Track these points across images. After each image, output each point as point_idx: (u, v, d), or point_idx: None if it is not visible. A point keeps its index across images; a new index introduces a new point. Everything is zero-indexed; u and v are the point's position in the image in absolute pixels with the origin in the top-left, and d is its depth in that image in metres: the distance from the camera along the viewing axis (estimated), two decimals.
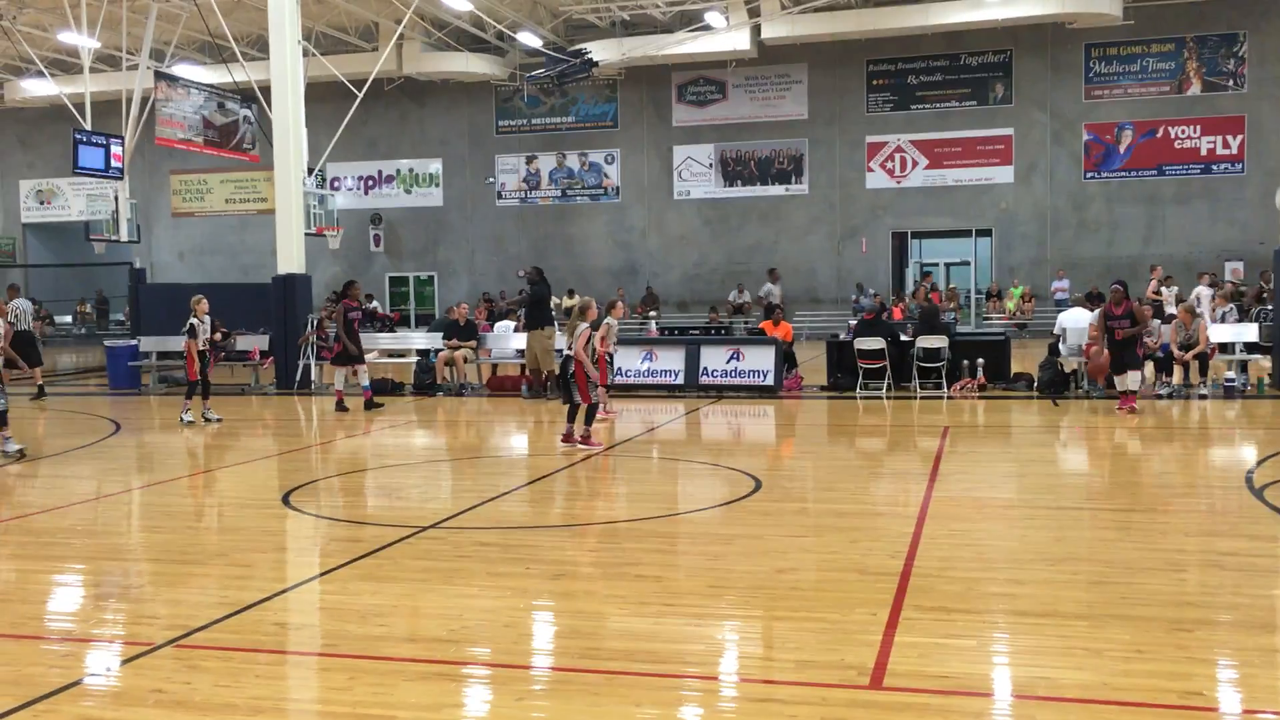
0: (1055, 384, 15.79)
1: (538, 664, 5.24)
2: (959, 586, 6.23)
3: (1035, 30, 29.64)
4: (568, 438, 11.71)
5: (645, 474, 10.87)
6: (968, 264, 32.05)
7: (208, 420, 14.65)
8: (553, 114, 34.14)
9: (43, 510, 9.22)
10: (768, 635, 5.54)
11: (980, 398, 15.82)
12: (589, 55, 26.64)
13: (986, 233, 31.51)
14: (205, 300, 15.00)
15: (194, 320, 14.62)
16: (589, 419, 11.75)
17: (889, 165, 31.75)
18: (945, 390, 16.10)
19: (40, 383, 18.36)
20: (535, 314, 17.17)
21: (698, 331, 20.29)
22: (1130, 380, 13.94)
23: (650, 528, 8.04)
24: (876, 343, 16.46)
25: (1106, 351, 13.89)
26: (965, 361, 16.39)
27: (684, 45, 29.45)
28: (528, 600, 6.25)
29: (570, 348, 11.72)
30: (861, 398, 16.31)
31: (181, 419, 14.56)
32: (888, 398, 16.13)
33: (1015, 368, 17.18)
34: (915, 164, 31.49)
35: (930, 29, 28.85)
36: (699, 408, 15.82)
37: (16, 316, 18.19)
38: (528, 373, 17.36)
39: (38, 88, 32.41)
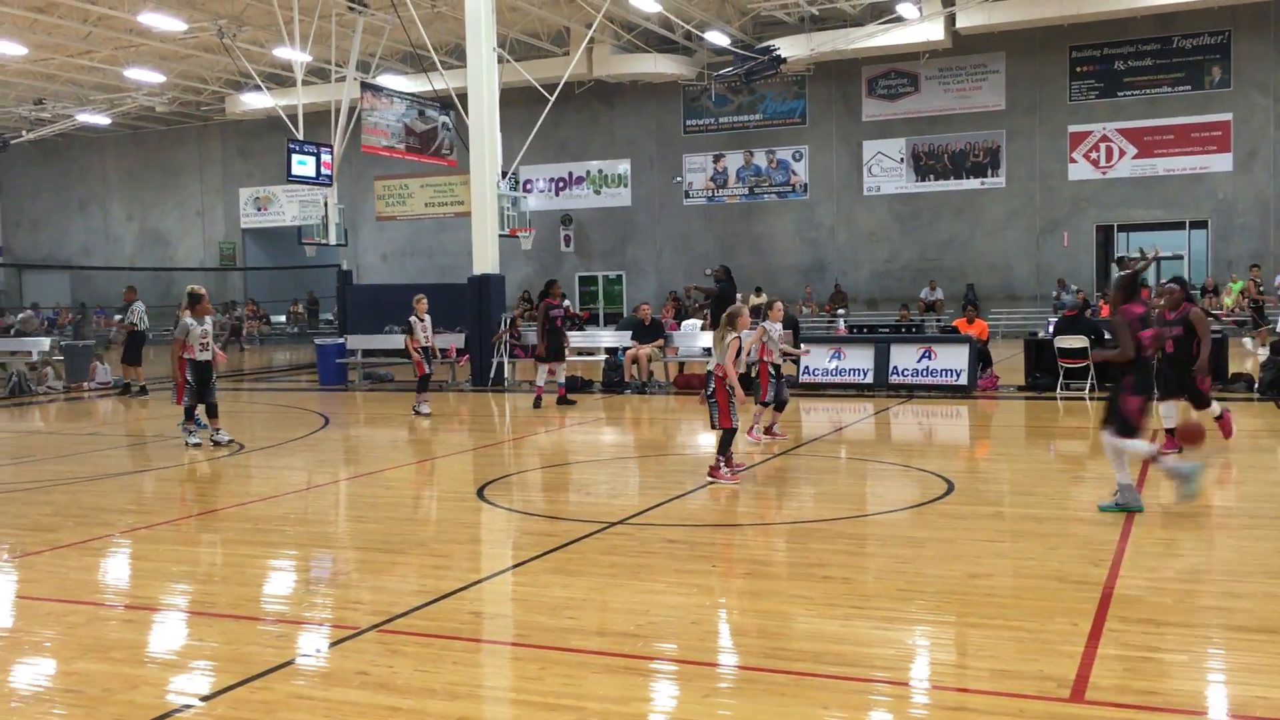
0: (1278, 385, 14.74)
1: (724, 662, 5.23)
2: (1169, 598, 5.89)
3: (1257, 8, 27.73)
4: (713, 470, 9.72)
5: (833, 474, 10.71)
6: (1180, 258, 30.26)
7: (416, 414, 15.23)
8: (740, 112, 34.08)
9: (259, 499, 9.81)
10: (961, 642, 5.37)
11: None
12: (777, 52, 26.43)
13: (1202, 224, 29.69)
14: (425, 299, 15.62)
15: (413, 318, 15.33)
16: (723, 447, 9.74)
17: (1093, 155, 30.31)
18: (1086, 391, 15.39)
19: (143, 383, 19.67)
20: (721, 313, 17.18)
21: (887, 330, 19.86)
22: (1165, 413, 10.35)
23: (838, 528, 7.92)
24: (1079, 341, 15.73)
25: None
26: None
27: (875, 38, 28.88)
28: (714, 598, 6.25)
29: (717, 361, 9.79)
30: (1062, 398, 15.63)
31: (417, 410, 15.26)
32: (1091, 399, 15.40)
33: (1233, 368, 16.13)
34: (1122, 153, 29.96)
35: (1139, 11, 27.39)
36: (888, 407, 15.49)
37: (140, 317, 19.56)
38: None
39: (255, 101, 34.51)
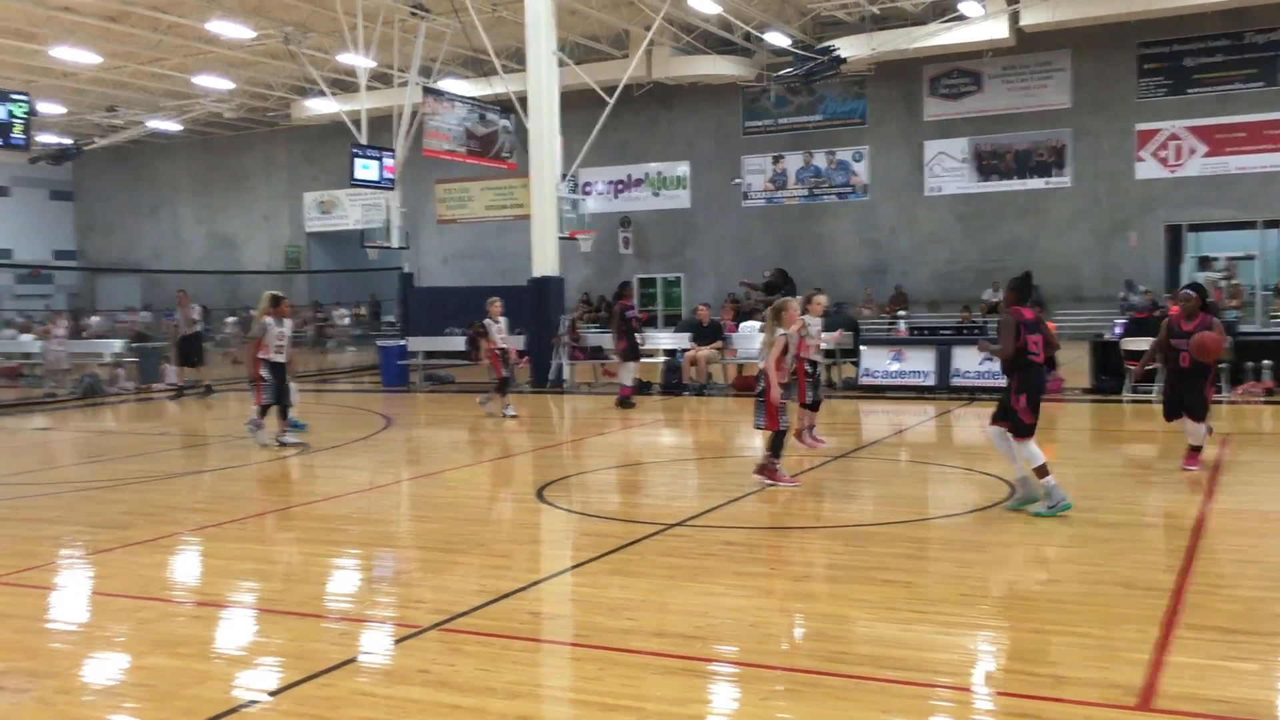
0: None
1: (783, 665, 5.21)
2: (1240, 605, 5.76)
3: None
4: (763, 470, 9.52)
5: (893, 477, 10.62)
6: (1253, 258, 29.53)
7: (505, 416, 15.22)
8: (800, 113, 33.91)
9: (323, 498, 9.96)
10: (1025, 648, 5.30)
11: (1267, 403, 14.56)
12: (837, 52, 26.31)
13: (1275, 224, 28.95)
14: (499, 301, 15.63)
15: (487, 320, 15.43)
16: (776, 448, 9.50)
17: (1162, 154, 29.71)
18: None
19: (207, 382, 20.21)
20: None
21: (949, 331, 19.65)
22: (1191, 432, 9.83)
23: (899, 532, 7.85)
24: (1147, 343, 15.43)
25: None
26: (1250, 364, 15.13)
27: (937, 37, 28.59)
28: (773, 600, 6.23)
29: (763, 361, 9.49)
30: (1129, 402, 15.35)
31: (504, 413, 15.22)
32: (1159, 402, 15.10)
33: None
34: (1192, 152, 29.33)
35: (1210, 7, 26.80)
36: (950, 410, 15.32)
37: (190, 320, 19.94)
38: None
39: (320, 106, 35.02)
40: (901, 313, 30.81)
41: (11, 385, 21.11)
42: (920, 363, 17.10)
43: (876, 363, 17.26)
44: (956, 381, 16.67)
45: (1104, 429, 13.75)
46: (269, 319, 12.78)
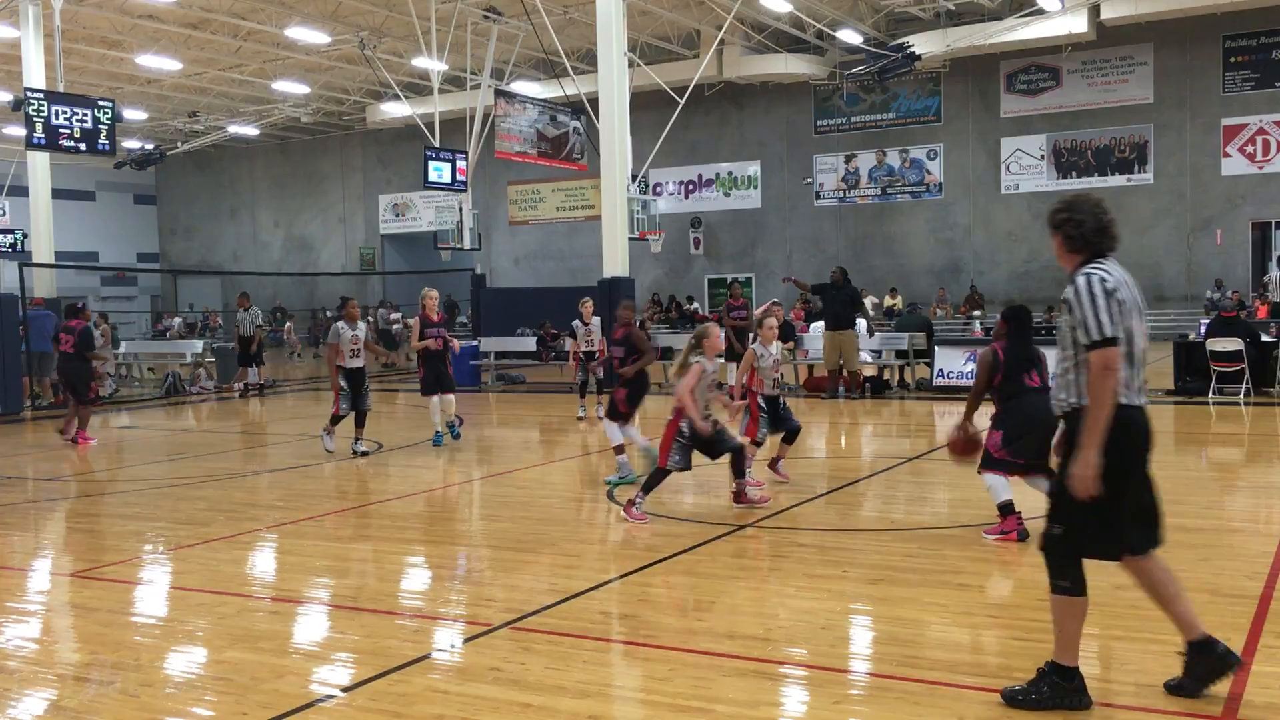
0: None
1: (855, 668, 5.15)
2: None
3: None
4: (627, 504, 8.51)
5: (968, 479, 10.44)
6: None
7: (580, 418, 15.20)
8: (873, 111, 33.57)
9: (396, 497, 10.08)
10: (1105, 655, 5.17)
11: None
12: (911, 49, 25.98)
13: None
14: (590, 302, 15.40)
15: (576, 322, 15.40)
16: (650, 485, 8.43)
17: (1249, 149, 28.90)
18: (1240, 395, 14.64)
19: (260, 382, 20.72)
20: (840, 315, 17.04)
21: None
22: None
23: (973, 535, 7.71)
24: (1234, 343, 15.02)
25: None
26: None
27: (1014, 32, 28.12)
28: (845, 603, 6.16)
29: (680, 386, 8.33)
30: (1214, 403, 14.94)
31: (578, 415, 15.24)
32: (1246, 403, 14.68)
33: None
34: None
35: None
36: None
37: (250, 322, 20.25)
38: (835, 373, 17.27)
39: (394, 110, 35.51)
40: (976, 313, 30.33)
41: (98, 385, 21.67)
42: None
43: (951, 363, 17.02)
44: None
45: (1188, 431, 13.40)
46: (341, 324, 12.57)
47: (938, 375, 17.21)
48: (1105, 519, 4.27)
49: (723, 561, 7.08)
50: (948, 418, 14.54)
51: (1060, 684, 4.37)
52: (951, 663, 5.03)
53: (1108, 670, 4.97)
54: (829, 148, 34.28)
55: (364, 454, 12.39)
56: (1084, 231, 4.43)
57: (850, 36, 28.88)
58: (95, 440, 14.36)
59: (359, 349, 12.52)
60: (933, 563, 6.99)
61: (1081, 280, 4.34)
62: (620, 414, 9.91)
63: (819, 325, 20.41)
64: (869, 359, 18.41)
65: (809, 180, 34.51)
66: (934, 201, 32.95)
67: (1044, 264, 31.32)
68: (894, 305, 29.92)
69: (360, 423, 12.62)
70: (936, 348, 17.75)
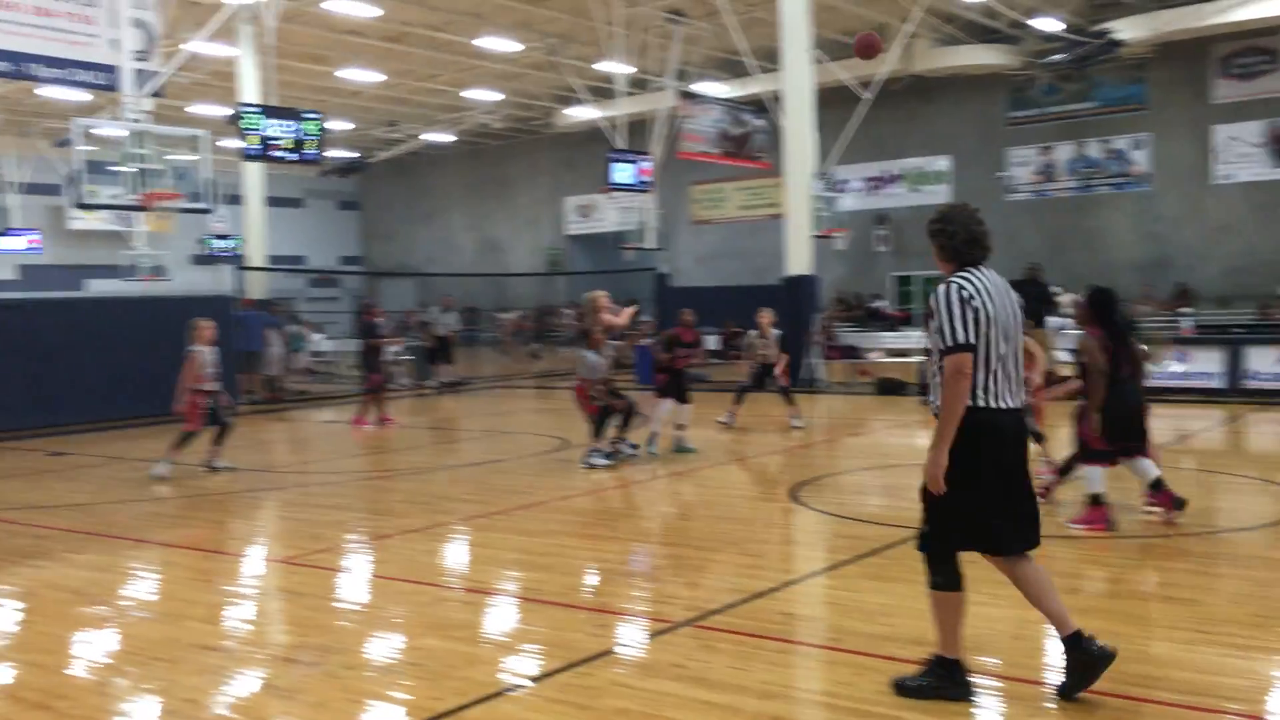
0: None
1: (1051, 680, 4.94)
2: None
3: None
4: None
5: (1175, 486, 9.88)
6: None
7: (722, 424, 15.05)
8: (1071, 100, 32.13)
9: (581, 493, 10.26)
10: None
11: None
12: (1113, 35, 24.78)
13: None
14: (769, 313, 14.70)
15: (753, 333, 15.30)
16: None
17: None
18: None
19: (445, 380, 21.50)
20: (1032, 311, 16.36)
21: (1241, 330, 18.12)
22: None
23: (1182, 545, 7.30)
24: None
25: None
26: None
27: (1228, 13, 26.42)
28: (1038, 612, 5.91)
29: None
30: None
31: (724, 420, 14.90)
32: None
33: None
34: None
35: None
36: (1241, 415, 14.12)
37: (442, 325, 20.94)
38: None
39: (579, 113, 36.17)
40: (1185, 310, 28.64)
41: (306, 382, 22.89)
42: (1207, 363, 15.87)
43: (1157, 363, 16.14)
44: (1250, 384, 15.35)
45: None
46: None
47: None
48: (968, 516, 4.58)
49: (909, 565, 6.89)
50: (1153, 420, 13.80)
51: (944, 675, 4.65)
52: (1156, 679, 4.77)
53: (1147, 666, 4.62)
54: (1023, 140, 33.00)
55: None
56: (955, 243, 4.77)
57: (1047, 24, 27.72)
58: (371, 426, 15.48)
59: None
60: (1137, 573, 6.65)
61: (942, 289, 4.64)
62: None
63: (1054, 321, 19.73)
64: (1067, 358, 17.66)
65: (1001, 174, 33.32)
66: (1138, 193, 31.29)
67: (1263, 259, 29.30)
68: (1066, 302, 28.55)
69: (627, 422, 11.93)
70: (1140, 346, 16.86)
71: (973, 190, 33.81)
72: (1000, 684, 4.88)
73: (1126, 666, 4.98)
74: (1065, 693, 4.59)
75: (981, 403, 4.51)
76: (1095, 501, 7.62)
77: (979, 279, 4.67)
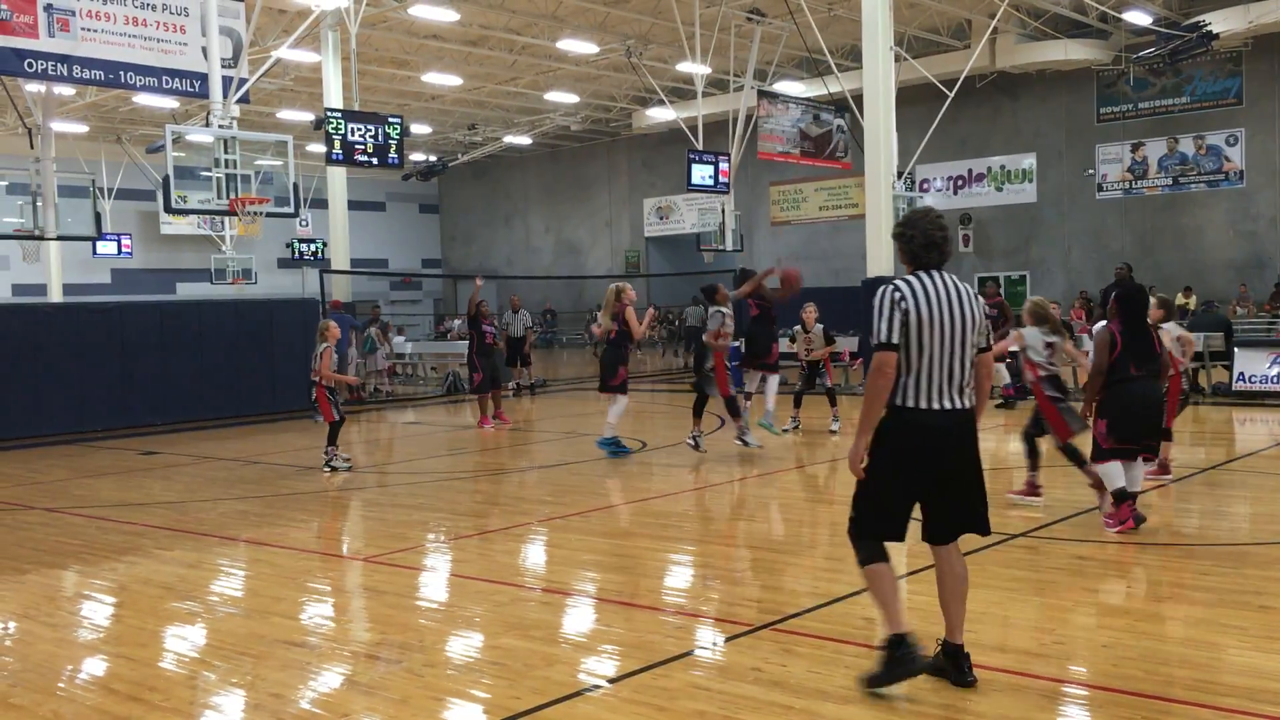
0: None
1: (1142, 691, 4.80)
2: None
3: None
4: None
5: (1273, 492, 9.56)
6: None
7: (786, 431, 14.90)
8: (1163, 95, 31.29)
9: (659, 495, 10.25)
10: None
11: None
12: (1207, 27, 24.06)
13: None
14: (814, 308, 15.05)
15: (797, 328, 15.25)
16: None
17: None
18: None
19: (520, 382, 21.62)
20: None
21: None
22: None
23: (1276, 553, 7.05)
24: None
25: None
26: None
27: None
28: (1129, 620, 5.76)
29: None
30: None
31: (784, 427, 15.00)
32: None
33: None
34: None
35: None
36: None
37: (514, 325, 21.23)
38: None
39: (658, 115, 36.24)
40: None
41: (387, 383, 23.22)
42: None
43: (1253, 366, 15.64)
44: None
45: None
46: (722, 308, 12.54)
47: (1238, 379, 15.86)
48: (879, 504, 4.75)
49: (992, 571, 6.78)
50: (1248, 425, 13.39)
51: (892, 656, 4.67)
52: (1252, 690, 4.61)
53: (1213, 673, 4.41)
54: (1113, 136, 32.20)
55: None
56: (913, 246, 4.82)
57: (1138, 18, 27.03)
58: (491, 426, 15.68)
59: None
60: (1231, 582, 6.44)
61: (880, 290, 4.76)
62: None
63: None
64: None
65: (1090, 171, 32.56)
66: (1234, 191, 30.34)
67: None
68: (1187, 304, 27.77)
69: (736, 412, 12.45)
70: (1236, 349, 16.35)
71: (1060, 188, 33.15)
72: (1087, 692, 4.74)
73: (1220, 677, 4.82)
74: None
75: (903, 401, 4.66)
76: (1120, 498, 7.57)
77: (921, 283, 4.73)
